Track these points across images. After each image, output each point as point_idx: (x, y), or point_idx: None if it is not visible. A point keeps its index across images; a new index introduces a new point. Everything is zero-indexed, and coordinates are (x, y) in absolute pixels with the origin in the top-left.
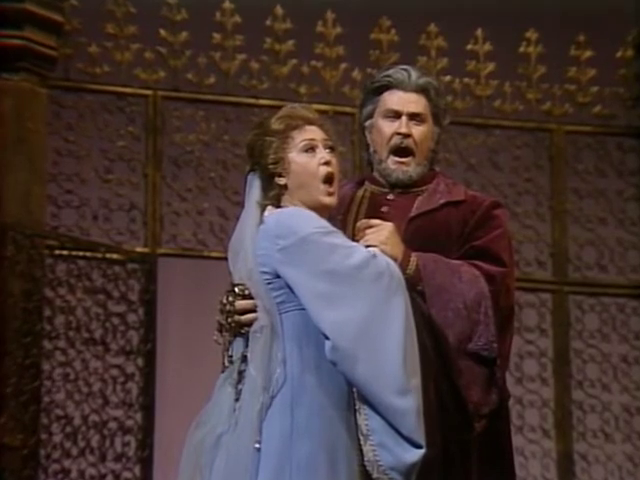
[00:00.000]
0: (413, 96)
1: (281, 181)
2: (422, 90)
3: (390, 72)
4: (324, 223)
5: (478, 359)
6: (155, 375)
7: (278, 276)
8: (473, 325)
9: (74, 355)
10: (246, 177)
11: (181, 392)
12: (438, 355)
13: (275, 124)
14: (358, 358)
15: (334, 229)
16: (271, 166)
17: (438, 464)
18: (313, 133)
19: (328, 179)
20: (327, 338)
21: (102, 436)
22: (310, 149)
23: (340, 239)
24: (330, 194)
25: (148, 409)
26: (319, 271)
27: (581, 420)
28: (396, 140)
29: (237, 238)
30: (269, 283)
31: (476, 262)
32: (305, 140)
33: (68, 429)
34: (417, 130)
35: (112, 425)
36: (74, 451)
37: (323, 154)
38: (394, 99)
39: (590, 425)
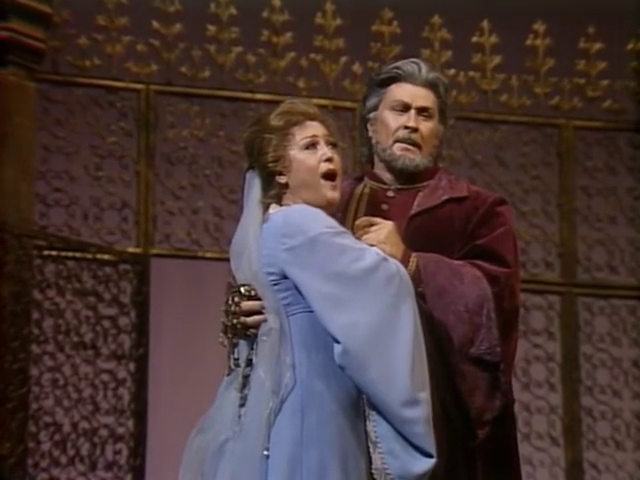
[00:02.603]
0: (423, 90)
1: (282, 179)
2: (432, 85)
3: (399, 64)
4: (333, 223)
5: (481, 364)
6: (147, 380)
7: (285, 277)
8: (475, 329)
9: (63, 360)
10: (244, 175)
11: (174, 398)
12: (440, 360)
13: (274, 120)
14: (369, 363)
15: (343, 229)
16: (271, 164)
17: (442, 473)
18: (314, 129)
19: (329, 176)
20: (336, 342)
21: (92, 444)
22: (311, 146)
23: (350, 240)
24: (333, 188)
25: (140, 416)
26: (328, 273)
27: (591, 427)
28: (403, 134)
29: (239, 239)
30: (275, 284)
31: (479, 262)
32: (306, 137)
33: (57, 437)
34: (425, 125)
35: (103, 432)
36: (63, 460)
37: (325, 150)
38: (403, 92)
39: (600, 432)
